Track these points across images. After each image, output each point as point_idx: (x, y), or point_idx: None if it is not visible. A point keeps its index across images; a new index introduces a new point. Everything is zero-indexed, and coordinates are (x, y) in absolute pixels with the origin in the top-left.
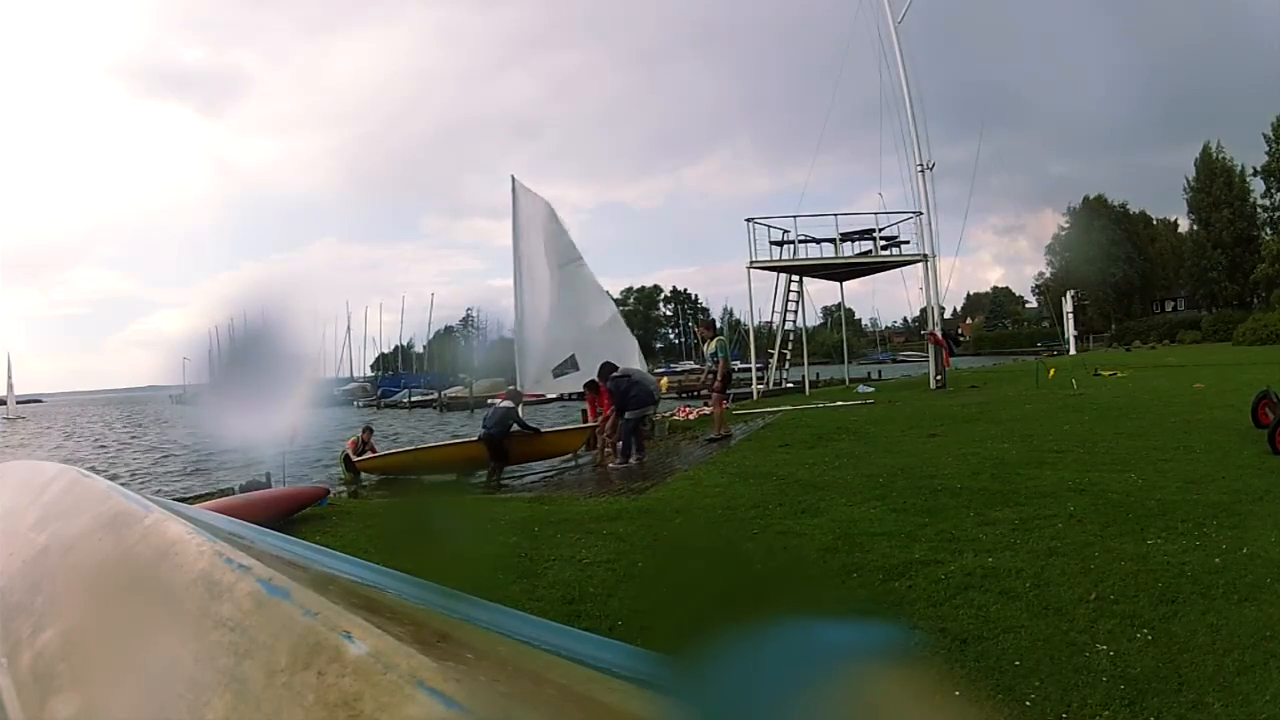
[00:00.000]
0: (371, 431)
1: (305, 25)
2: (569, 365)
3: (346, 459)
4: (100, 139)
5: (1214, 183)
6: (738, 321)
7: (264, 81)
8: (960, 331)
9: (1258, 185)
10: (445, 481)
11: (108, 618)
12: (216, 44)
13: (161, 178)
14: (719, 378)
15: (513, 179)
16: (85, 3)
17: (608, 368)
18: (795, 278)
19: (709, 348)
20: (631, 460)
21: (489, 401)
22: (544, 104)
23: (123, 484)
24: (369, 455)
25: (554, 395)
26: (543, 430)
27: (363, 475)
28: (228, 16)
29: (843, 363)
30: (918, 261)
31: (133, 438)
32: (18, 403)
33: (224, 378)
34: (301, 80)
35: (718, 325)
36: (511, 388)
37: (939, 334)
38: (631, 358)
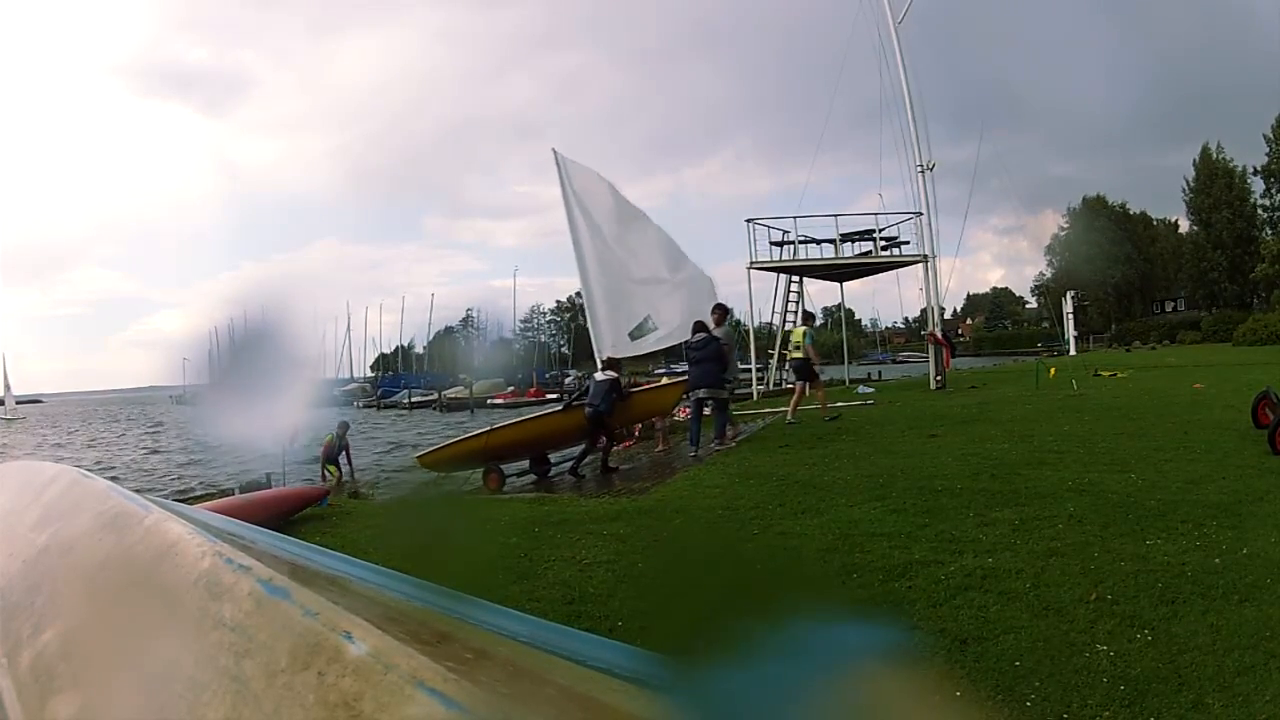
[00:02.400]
0: (348, 427)
1: (309, 25)
2: (645, 327)
3: (330, 461)
4: (103, 138)
5: (1214, 183)
6: (738, 322)
7: (267, 81)
8: (960, 332)
9: (1258, 185)
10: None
11: (108, 618)
12: (220, 44)
13: (164, 178)
14: (810, 362)
15: (554, 151)
16: (89, 2)
17: (699, 326)
18: (795, 278)
19: (796, 335)
20: (729, 440)
21: (488, 402)
22: (546, 104)
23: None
24: (432, 449)
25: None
26: (633, 390)
27: (352, 476)
28: (232, 16)
29: (843, 363)
30: (918, 262)
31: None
32: (16, 403)
33: (224, 378)
34: (304, 80)
35: (814, 316)
36: (609, 355)
37: (939, 334)
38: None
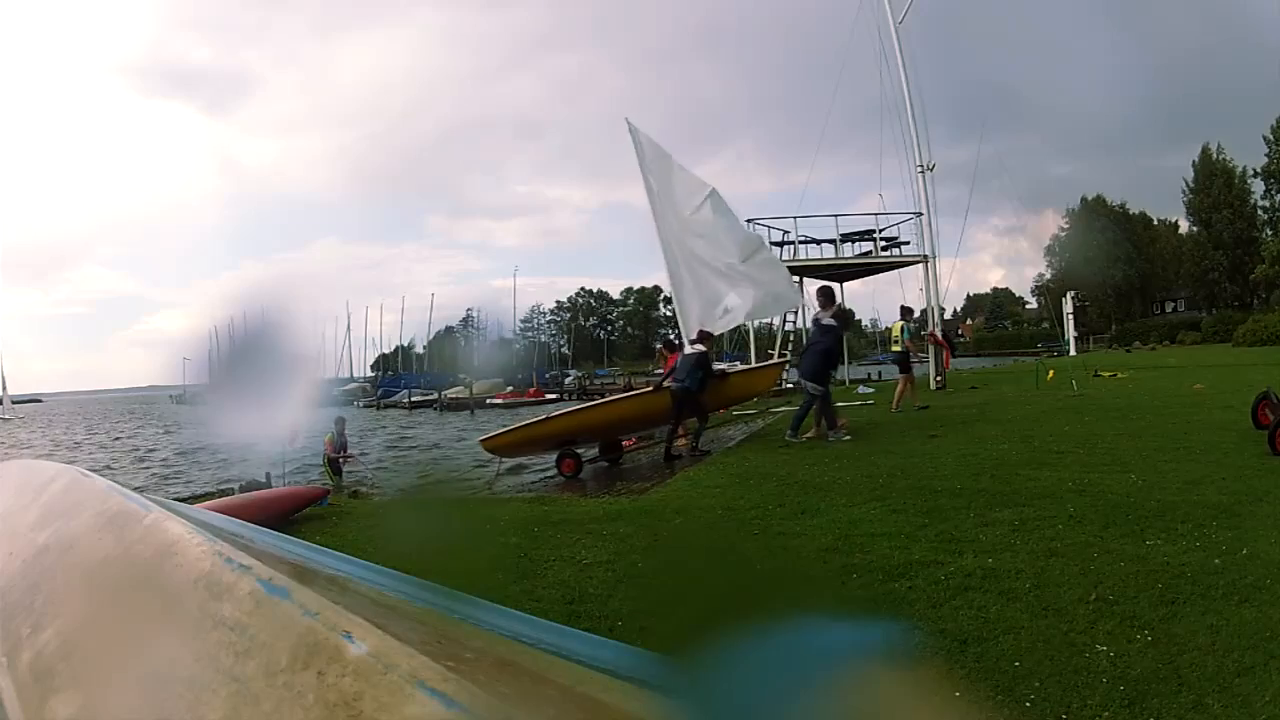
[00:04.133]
0: (344, 421)
1: (312, 25)
2: (727, 305)
3: (333, 463)
4: (106, 138)
5: (1213, 184)
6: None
7: (270, 81)
8: (960, 332)
9: (1258, 186)
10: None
11: (108, 617)
12: (223, 43)
13: (166, 177)
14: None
15: (627, 121)
16: (93, 2)
17: (826, 295)
18: (795, 278)
19: (895, 330)
20: (843, 434)
21: (487, 402)
22: (548, 104)
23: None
24: (497, 433)
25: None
26: (730, 372)
27: (345, 477)
28: (235, 16)
29: (843, 363)
30: (918, 262)
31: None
32: (15, 402)
33: (224, 378)
34: (307, 80)
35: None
36: (701, 328)
37: (939, 334)
38: (785, 297)
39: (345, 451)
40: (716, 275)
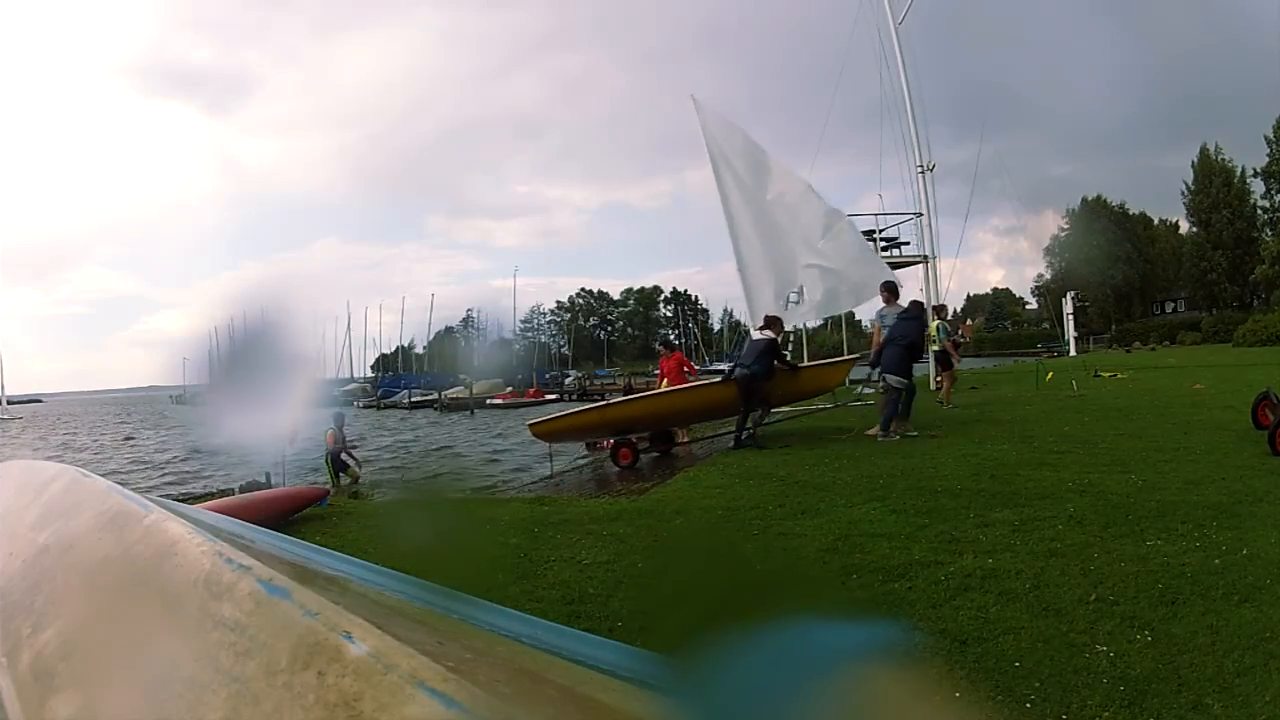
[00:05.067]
0: (343, 417)
1: (312, 25)
2: (799, 297)
3: (334, 459)
4: (107, 138)
5: (1213, 184)
6: (738, 323)
7: (270, 81)
8: (961, 332)
9: (1258, 186)
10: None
11: (108, 617)
12: (224, 43)
13: (166, 177)
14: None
15: (693, 98)
16: (94, 2)
17: (891, 289)
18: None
19: (932, 329)
20: (894, 433)
21: (487, 402)
22: (548, 105)
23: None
24: (549, 416)
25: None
26: (800, 365)
27: (359, 478)
28: (236, 16)
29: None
30: (918, 263)
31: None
32: (15, 403)
33: (223, 378)
34: (307, 80)
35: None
36: (771, 314)
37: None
38: (863, 288)
39: (347, 445)
40: (790, 259)
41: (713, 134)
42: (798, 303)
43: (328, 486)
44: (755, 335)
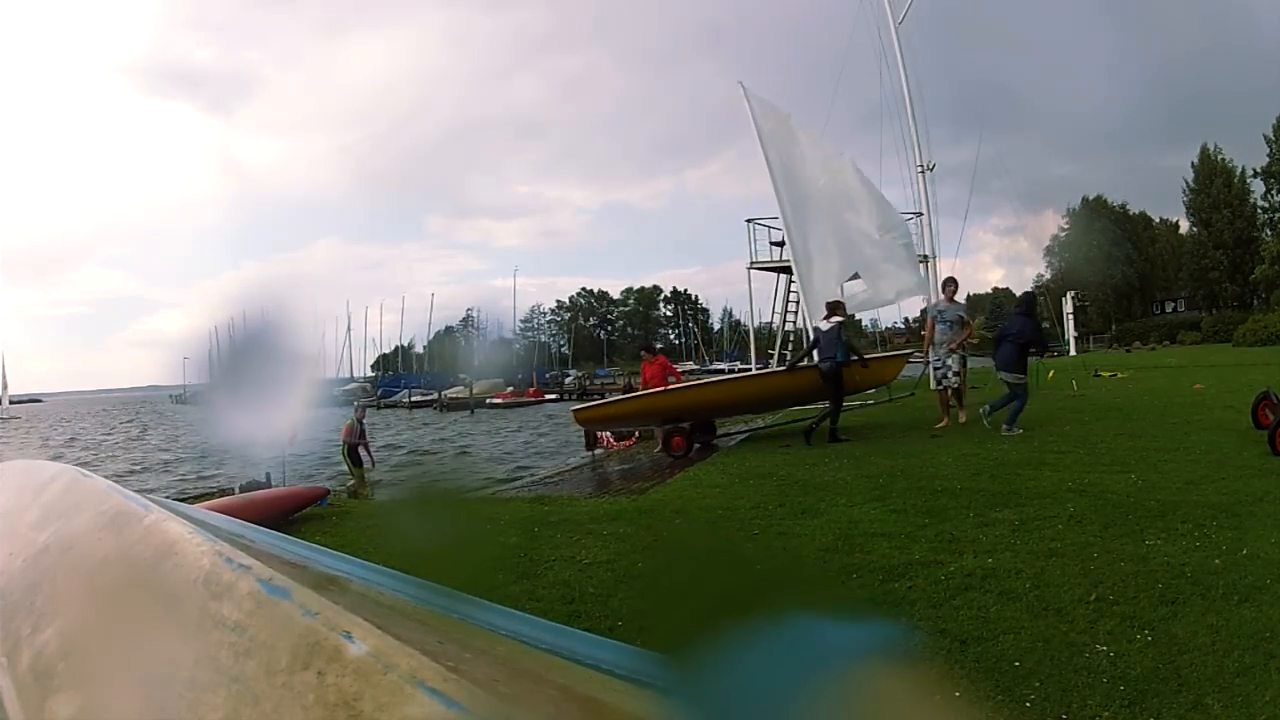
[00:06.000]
0: (365, 410)
1: (314, 26)
2: (851, 288)
3: (352, 451)
4: (108, 137)
5: (1213, 183)
6: (738, 323)
7: (272, 81)
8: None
9: (1258, 186)
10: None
11: (108, 617)
12: (226, 43)
13: (167, 177)
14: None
15: (741, 85)
16: (96, 1)
17: (954, 285)
18: (795, 278)
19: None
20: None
21: (487, 402)
22: (549, 105)
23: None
24: (593, 403)
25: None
26: (870, 358)
27: (372, 464)
28: (238, 16)
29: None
30: (918, 263)
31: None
32: (15, 403)
33: (223, 378)
34: (309, 80)
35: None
36: (832, 300)
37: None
38: (909, 291)
39: (365, 438)
40: (848, 247)
41: (762, 119)
42: (864, 290)
43: (334, 488)
44: (824, 325)
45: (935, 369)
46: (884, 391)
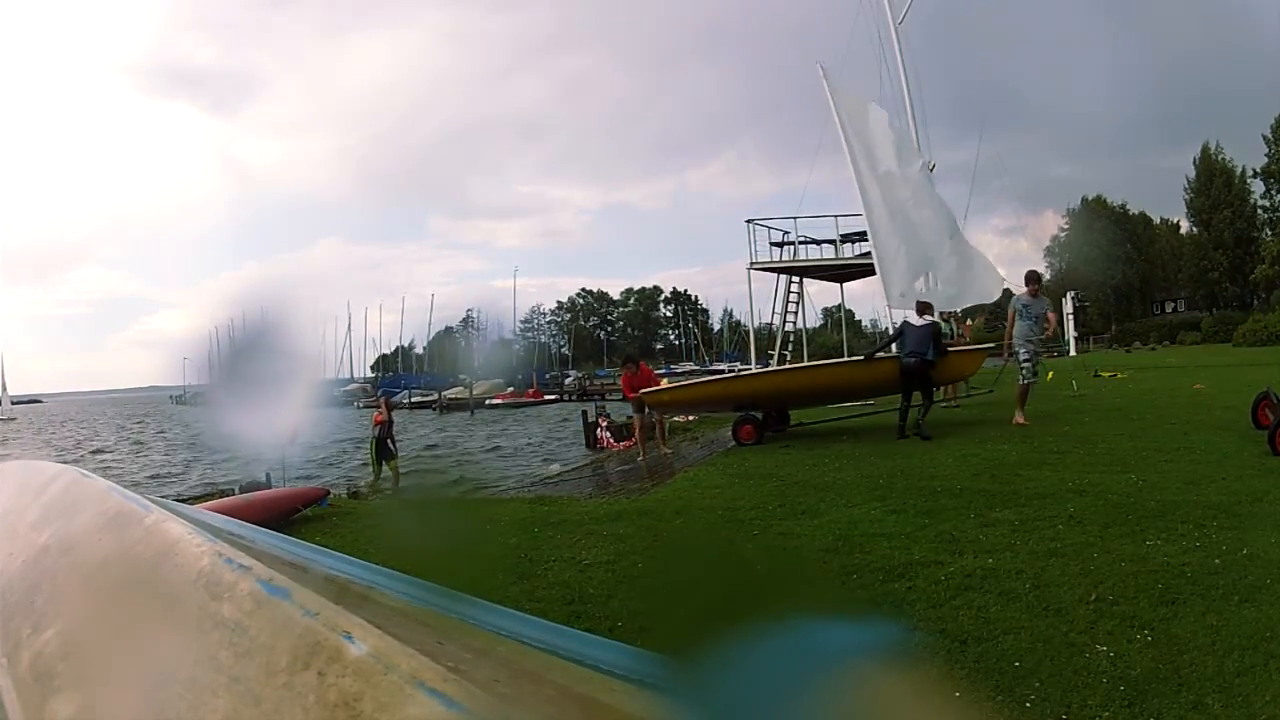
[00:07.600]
0: (393, 394)
1: (316, 26)
2: (926, 287)
3: (380, 444)
4: (108, 137)
5: (1213, 183)
6: (738, 323)
7: (273, 81)
8: (961, 332)
9: (1258, 186)
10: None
11: (108, 617)
12: (228, 44)
13: (168, 177)
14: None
15: (820, 67)
16: (97, 1)
17: (1036, 279)
18: (795, 279)
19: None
20: None
21: (487, 402)
22: (551, 106)
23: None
24: (663, 389)
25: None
26: (952, 350)
27: (386, 470)
28: (240, 16)
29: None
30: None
31: None
32: (15, 403)
33: (223, 378)
34: (311, 80)
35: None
36: (922, 300)
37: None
38: (986, 294)
39: (393, 429)
40: (923, 244)
41: (838, 105)
42: (934, 286)
43: (355, 480)
44: (917, 322)
45: (1024, 363)
46: (962, 387)
